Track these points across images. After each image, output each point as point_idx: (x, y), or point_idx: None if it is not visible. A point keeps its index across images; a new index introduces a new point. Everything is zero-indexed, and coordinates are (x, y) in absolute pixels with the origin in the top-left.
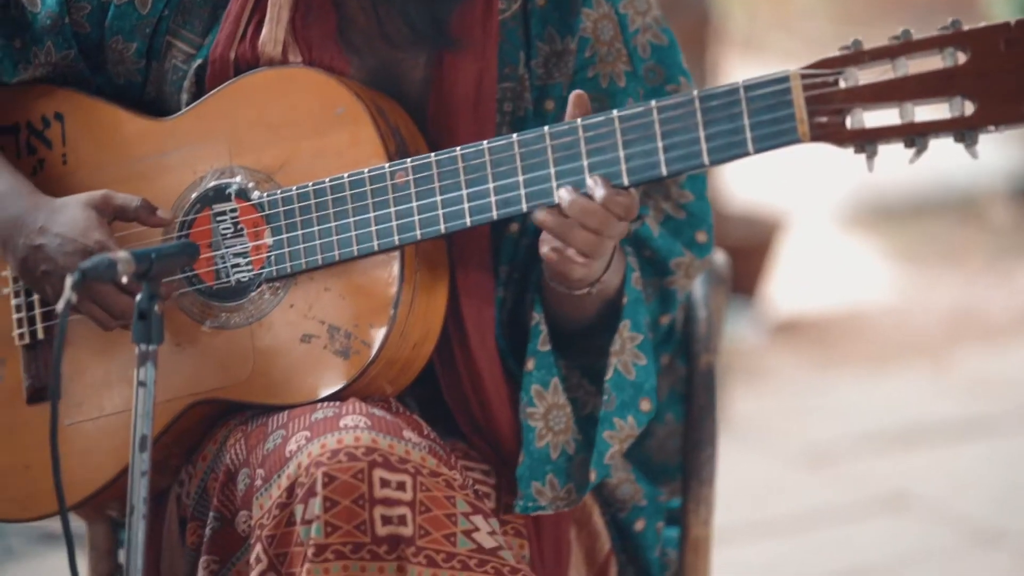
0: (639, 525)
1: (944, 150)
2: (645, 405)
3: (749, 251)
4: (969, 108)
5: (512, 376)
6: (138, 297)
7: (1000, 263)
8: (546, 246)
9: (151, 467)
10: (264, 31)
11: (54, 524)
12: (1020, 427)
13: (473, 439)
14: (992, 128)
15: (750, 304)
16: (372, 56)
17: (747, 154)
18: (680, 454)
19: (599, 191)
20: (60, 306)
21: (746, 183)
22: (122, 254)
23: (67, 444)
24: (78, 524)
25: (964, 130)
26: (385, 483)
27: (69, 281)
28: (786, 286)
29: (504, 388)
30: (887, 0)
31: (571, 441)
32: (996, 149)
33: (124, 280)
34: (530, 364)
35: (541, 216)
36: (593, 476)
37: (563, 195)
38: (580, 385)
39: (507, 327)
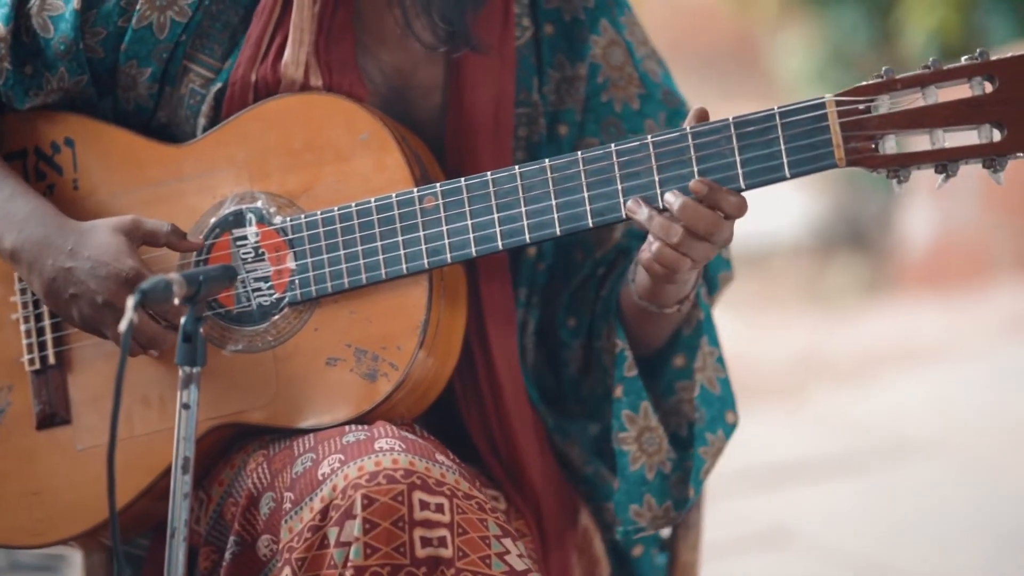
0: (637, 551)
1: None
2: (731, 417)
3: None
4: (997, 135)
5: (531, 400)
6: (183, 319)
7: (814, 310)
8: (656, 258)
9: (160, 495)
10: (287, 53)
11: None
12: (884, 464)
13: (489, 461)
14: (1021, 154)
15: None
16: (385, 83)
17: (783, 178)
18: None
19: (709, 194)
20: (123, 326)
21: None
22: (175, 276)
23: (79, 470)
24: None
25: (994, 156)
26: (424, 505)
27: (131, 302)
28: None
29: (525, 408)
30: (683, 47)
31: (666, 461)
32: (796, 201)
33: (176, 302)
34: (618, 391)
35: (665, 238)
36: (691, 493)
37: (673, 201)
38: (657, 405)
39: (529, 350)
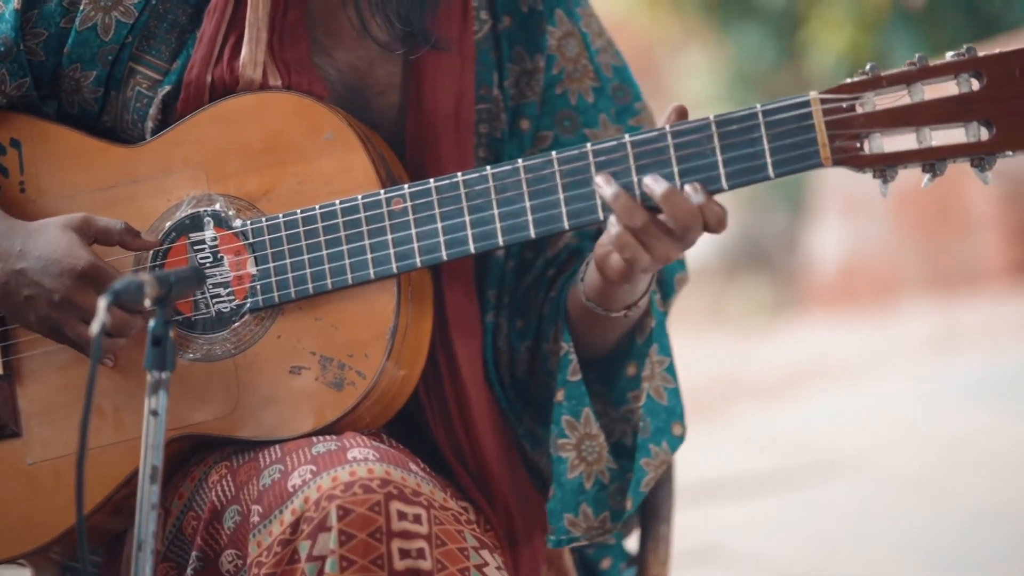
0: (605, 563)
1: None
2: (677, 430)
3: None
4: (985, 133)
5: (498, 404)
6: (151, 323)
7: (724, 330)
8: (617, 255)
9: (113, 510)
10: (244, 53)
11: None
12: (811, 479)
13: (458, 471)
14: (1010, 153)
15: None
16: (341, 82)
17: (767, 178)
18: None
19: (697, 197)
20: (95, 329)
21: None
22: (147, 276)
23: (30, 484)
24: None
25: (982, 155)
26: (402, 516)
27: (102, 303)
28: None
29: (492, 416)
30: None
31: (605, 470)
32: None
33: (148, 304)
34: (560, 395)
35: (627, 220)
36: (629, 504)
37: (654, 186)
38: (605, 412)
39: (504, 354)
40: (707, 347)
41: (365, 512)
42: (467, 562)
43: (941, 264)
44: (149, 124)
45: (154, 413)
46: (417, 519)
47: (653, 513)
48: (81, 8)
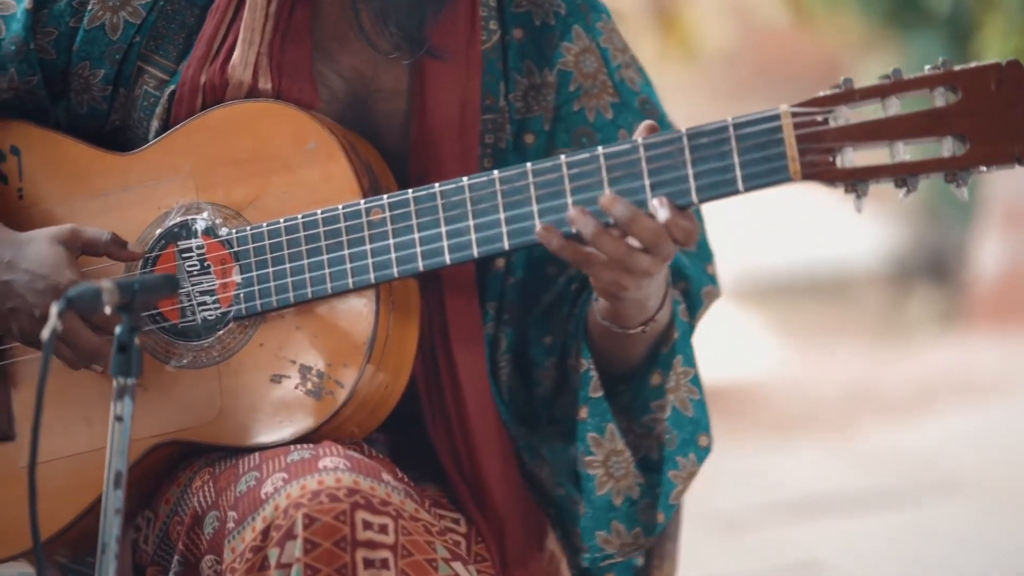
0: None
1: (820, 229)
2: (703, 441)
3: None
4: (960, 148)
5: (498, 414)
6: (118, 329)
7: (884, 340)
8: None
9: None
10: (236, 54)
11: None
12: (921, 500)
13: (454, 480)
14: (983, 168)
15: None
16: (345, 88)
17: (737, 192)
18: None
19: (663, 212)
20: (45, 334)
21: None
22: (107, 283)
23: (21, 487)
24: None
25: (955, 170)
26: (368, 525)
27: (55, 309)
28: None
29: (491, 425)
30: (768, 73)
31: (634, 486)
32: (870, 230)
33: (108, 311)
34: (583, 412)
35: (594, 240)
36: (661, 518)
37: (613, 208)
38: (630, 429)
39: (504, 368)
40: (858, 357)
41: (330, 521)
42: (435, 573)
43: None
44: (154, 123)
45: (119, 419)
46: (383, 529)
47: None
48: (89, 7)
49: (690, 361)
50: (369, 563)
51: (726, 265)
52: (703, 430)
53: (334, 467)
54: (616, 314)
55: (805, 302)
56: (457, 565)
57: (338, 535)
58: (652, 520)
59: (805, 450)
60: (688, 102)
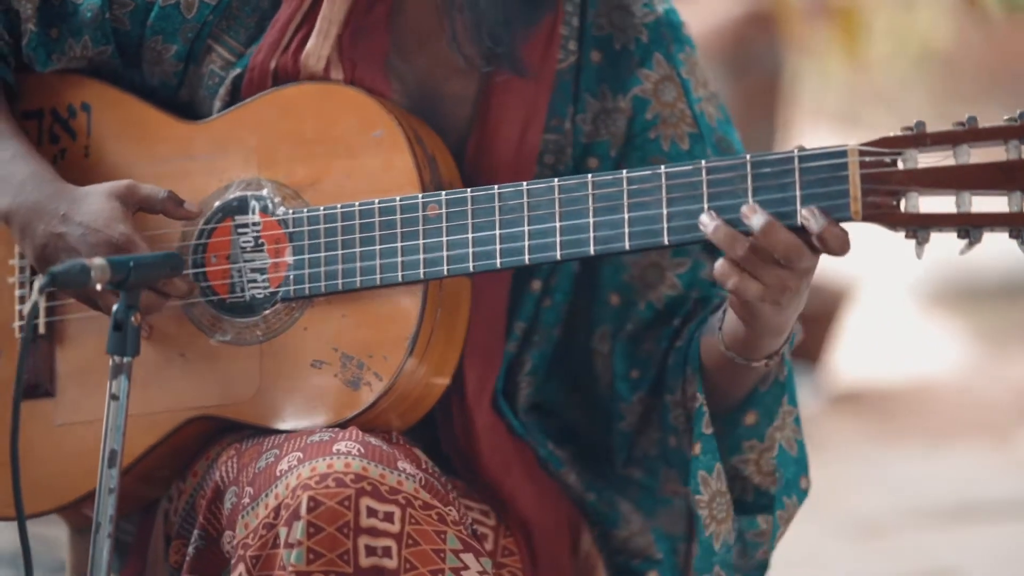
0: None
1: None
2: (804, 483)
3: (812, 318)
4: None
5: (517, 434)
6: (115, 307)
7: None
8: (717, 274)
9: (140, 476)
10: (310, 44)
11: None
12: None
13: (467, 476)
14: None
15: (811, 371)
16: (415, 87)
17: (795, 226)
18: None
19: (818, 222)
20: (26, 308)
21: None
22: (98, 261)
23: (56, 445)
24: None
25: (1021, 226)
26: (372, 512)
27: (37, 285)
28: (851, 356)
29: (505, 443)
30: (997, 76)
31: (732, 530)
32: None
33: (99, 288)
34: (697, 448)
35: (730, 251)
36: (764, 555)
37: (752, 217)
38: (724, 466)
39: (524, 389)
40: (1016, 365)
41: (334, 505)
42: (442, 564)
43: None
44: (217, 104)
45: (115, 397)
46: (388, 517)
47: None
48: None
49: (793, 400)
50: (371, 550)
51: (920, 265)
52: (804, 471)
53: (347, 451)
54: (747, 344)
55: (1005, 307)
56: (468, 557)
57: (341, 520)
58: (746, 567)
59: (963, 456)
60: (910, 100)
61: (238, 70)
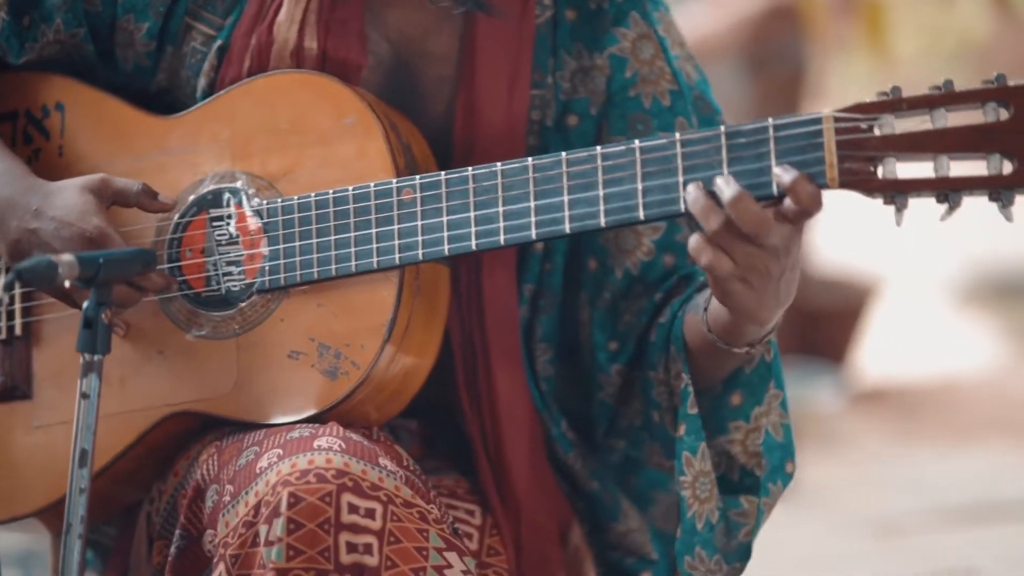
0: None
1: None
2: (790, 467)
3: (836, 315)
4: (1007, 167)
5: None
6: (84, 304)
7: None
8: (690, 250)
9: (118, 478)
10: (282, 10)
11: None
12: None
13: (481, 464)
14: None
15: (834, 369)
16: (391, 52)
17: (771, 196)
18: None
19: (787, 176)
20: None
21: (838, 246)
22: (66, 257)
23: (34, 448)
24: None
25: (1000, 189)
26: (354, 509)
27: (3, 281)
28: (877, 354)
29: (523, 414)
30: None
31: (715, 510)
32: None
33: (67, 284)
34: (681, 429)
35: (704, 222)
36: (746, 539)
37: (724, 188)
38: (709, 446)
39: (540, 357)
40: None
41: (314, 501)
42: (424, 562)
43: None
44: (202, 80)
45: (85, 396)
46: (370, 513)
47: None
48: None
49: (780, 384)
50: (352, 547)
51: (950, 261)
52: (790, 456)
53: (328, 447)
54: (727, 328)
55: None
56: (451, 555)
57: (322, 516)
58: (728, 547)
59: (987, 455)
60: None
61: (219, 42)
